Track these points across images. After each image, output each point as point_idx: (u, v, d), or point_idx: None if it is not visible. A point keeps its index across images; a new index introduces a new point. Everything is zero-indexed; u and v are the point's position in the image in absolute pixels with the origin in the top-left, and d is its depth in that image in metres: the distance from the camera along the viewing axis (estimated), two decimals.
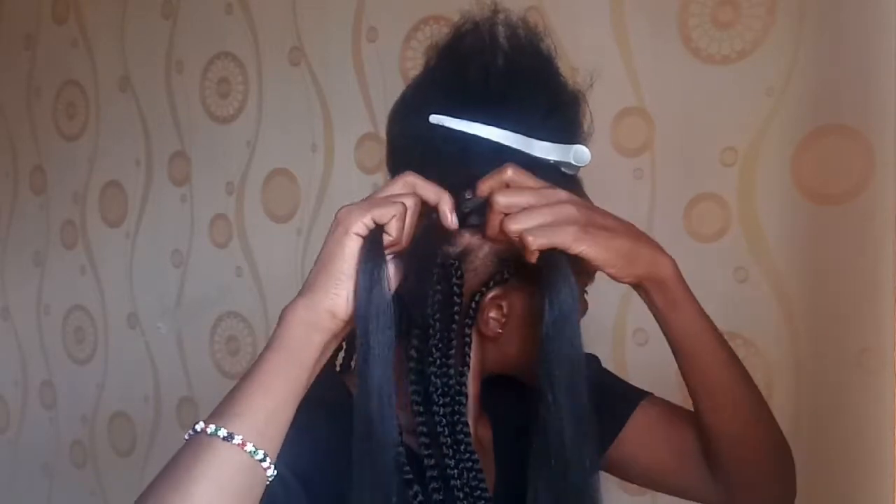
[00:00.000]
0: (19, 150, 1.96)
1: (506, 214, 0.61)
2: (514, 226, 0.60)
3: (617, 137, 1.24)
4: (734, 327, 0.78)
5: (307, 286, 0.60)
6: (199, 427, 0.54)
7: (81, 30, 1.82)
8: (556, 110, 0.67)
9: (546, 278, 0.61)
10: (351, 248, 0.59)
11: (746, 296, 1.16)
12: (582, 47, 1.23)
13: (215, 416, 0.55)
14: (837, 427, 1.11)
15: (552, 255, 0.61)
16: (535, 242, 0.60)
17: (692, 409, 0.76)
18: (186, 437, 0.55)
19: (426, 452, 0.66)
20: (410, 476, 0.66)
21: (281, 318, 0.59)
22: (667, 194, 1.22)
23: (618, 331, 1.25)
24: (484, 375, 0.72)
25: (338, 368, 0.76)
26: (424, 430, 0.65)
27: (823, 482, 1.11)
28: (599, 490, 0.67)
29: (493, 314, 0.67)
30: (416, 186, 0.62)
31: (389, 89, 1.45)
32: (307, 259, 1.56)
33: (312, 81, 1.53)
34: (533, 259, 0.61)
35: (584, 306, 0.74)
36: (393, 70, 1.44)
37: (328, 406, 0.64)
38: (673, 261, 0.67)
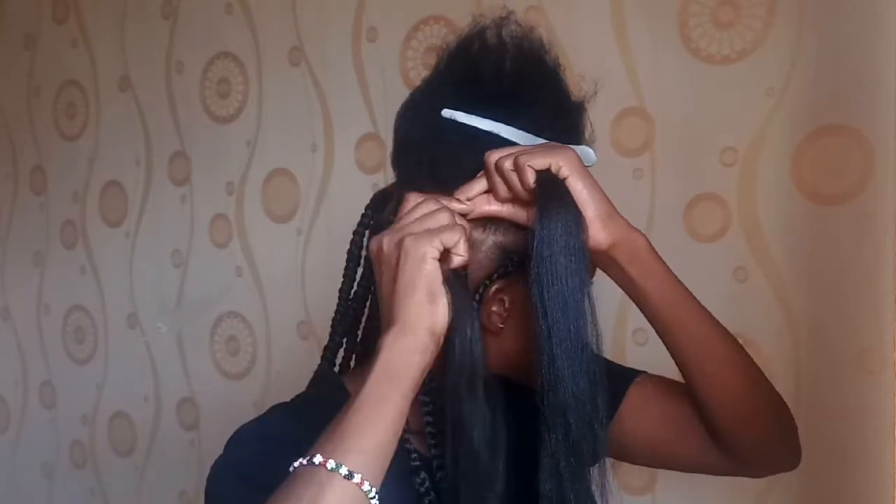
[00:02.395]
0: (19, 150, 1.96)
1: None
2: (509, 159, 0.63)
3: (617, 137, 1.24)
4: (734, 327, 0.79)
5: (395, 317, 0.60)
6: (317, 460, 0.56)
7: (81, 30, 1.82)
8: (563, 114, 0.69)
9: (541, 197, 0.62)
10: (434, 270, 0.60)
11: (746, 296, 1.16)
12: (582, 47, 1.23)
13: (330, 448, 0.56)
14: (837, 427, 1.11)
15: (549, 175, 0.62)
16: (530, 160, 0.62)
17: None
18: (297, 465, 0.57)
19: (432, 442, 0.66)
20: (418, 463, 0.66)
21: (379, 350, 0.60)
22: (667, 194, 1.22)
23: (618, 331, 1.25)
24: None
25: (336, 369, 0.77)
26: (430, 419, 0.66)
27: (823, 482, 1.11)
28: (599, 424, 0.66)
29: (495, 308, 0.68)
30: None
31: (389, 89, 1.45)
32: (307, 259, 1.56)
33: (312, 81, 1.53)
34: (531, 180, 0.62)
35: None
36: (393, 70, 1.44)
37: (329, 409, 0.64)
38: (645, 236, 0.68)
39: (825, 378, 1.13)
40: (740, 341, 0.75)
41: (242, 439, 0.68)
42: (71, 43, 1.84)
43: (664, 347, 0.74)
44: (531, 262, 0.62)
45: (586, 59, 1.21)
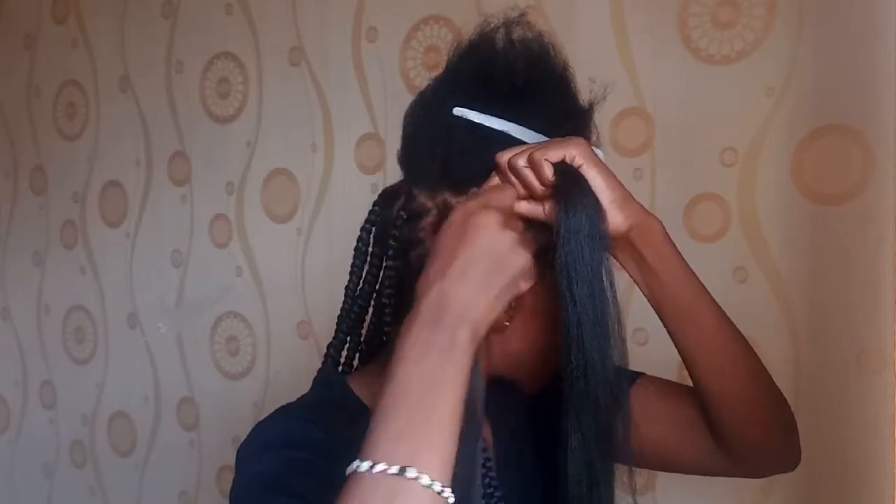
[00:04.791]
0: (19, 150, 1.96)
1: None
2: (522, 156, 0.62)
3: (617, 137, 1.24)
4: None
5: (480, 311, 0.58)
6: (410, 473, 0.51)
7: (81, 30, 1.82)
8: (572, 115, 0.69)
9: (561, 186, 0.62)
10: None
11: (746, 296, 1.16)
12: (582, 47, 1.23)
13: (423, 461, 0.52)
14: (837, 427, 1.11)
15: (567, 166, 0.62)
16: (545, 154, 0.61)
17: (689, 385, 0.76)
18: (376, 471, 0.52)
19: None
20: None
21: (463, 347, 0.57)
22: (667, 194, 1.22)
23: None
24: (487, 374, 0.72)
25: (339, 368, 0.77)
26: None
27: (823, 482, 1.11)
28: (625, 401, 0.67)
29: None
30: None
31: (389, 89, 1.45)
32: (307, 259, 1.56)
33: (312, 81, 1.53)
34: (550, 173, 0.61)
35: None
36: (393, 70, 1.44)
37: (338, 412, 0.64)
38: (660, 221, 0.68)
39: (825, 378, 1.13)
40: None
41: (258, 450, 0.66)
42: (71, 43, 1.84)
43: (664, 348, 0.73)
44: (557, 253, 0.62)
45: (586, 59, 1.20)
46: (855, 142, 1.09)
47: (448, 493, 0.52)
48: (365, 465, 0.52)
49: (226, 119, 1.64)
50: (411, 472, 0.51)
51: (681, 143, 1.21)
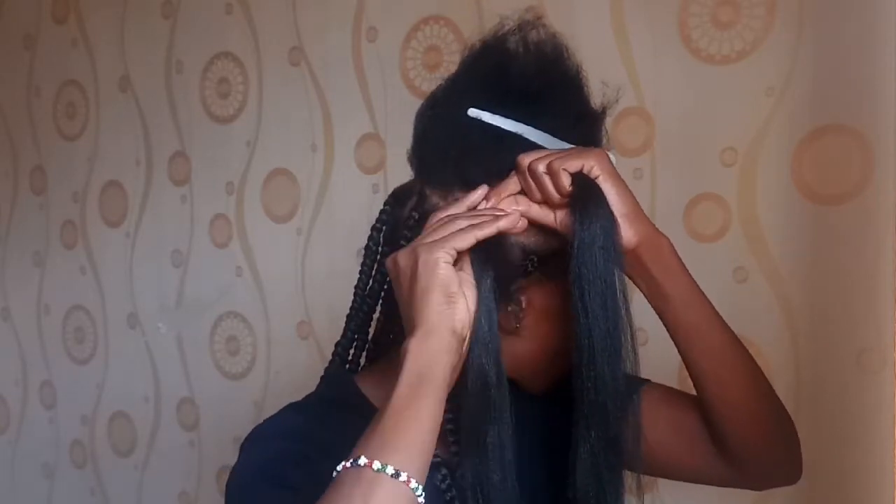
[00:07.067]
0: (19, 150, 1.96)
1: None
2: (542, 162, 0.64)
3: (617, 137, 1.24)
4: (734, 327, 0.80)
5: (417, 321, 0.61)
6: (361, 461, 0.55)
7: (81, 30, 1.82)
8: (584, 118, 0.70)
9: (579, 200, 0.63)
10: (447, 274, 0.61)
11: (746, 296, 1.16)
12: (582, 47, 1.23)
13: (372, 449, 0.56)
14: (837, 427, 1.11)
15: (585, 177, 0.63)
16: (564, 164, 0.63)
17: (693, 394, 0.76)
18: (341, 469, 0.56)
19: (452, 439, 0.66)
20: (438, 459, 0.67)
21: (405, 353, 0.60)
22: (667, 194, 1.22)
23: None
24: None
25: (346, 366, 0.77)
26: (451, 416, 0.66)
27: (823, 482, 1.11)
28: (636, 412, 0.69)
29: (511, 308, 0.68)
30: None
31: (389, 89, 1.45)
32: (307, 259, 1.56)
33: (312, 81, 1.53)
34: (567, 184, 0.63)
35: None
36: (393, 70, 1.44)
37: (343, 409, 0.65)
38: (669, 239, 0.69)
39: (825, 378, 1.13)
40: None
41: (260, 439, 0.68)
42: (71, 43, 1.84)
43: (664, 348, 0.73)
44: (571, 264, 0.63)
45: (586, 59, 1.20)
46: (855, 142, 1.09)
47: (405, 476, 0.55)
48: (350, 461, 0.56)
49: (226, 119, 1.64)
50: (362, 460, 0.55)
51: (681, 143, 1.21)
